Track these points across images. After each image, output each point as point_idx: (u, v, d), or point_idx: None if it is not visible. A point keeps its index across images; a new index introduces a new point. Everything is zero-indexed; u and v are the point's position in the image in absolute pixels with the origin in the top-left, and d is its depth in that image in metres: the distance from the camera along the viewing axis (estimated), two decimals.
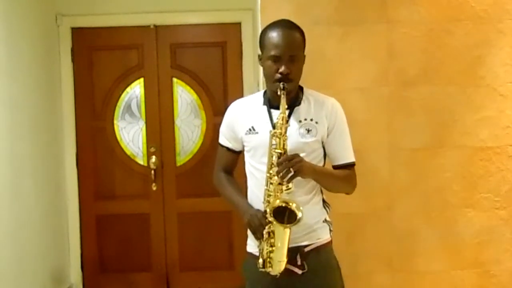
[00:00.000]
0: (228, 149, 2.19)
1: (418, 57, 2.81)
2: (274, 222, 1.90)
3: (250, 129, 2.07)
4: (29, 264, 3.33)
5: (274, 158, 1.92)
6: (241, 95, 3.95)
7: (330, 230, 2.15)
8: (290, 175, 1.88)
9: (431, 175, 2.84)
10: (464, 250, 2.86)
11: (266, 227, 1.93)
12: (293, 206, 1.92)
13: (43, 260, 3.57)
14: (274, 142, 1.94)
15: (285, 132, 1.93)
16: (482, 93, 2.83)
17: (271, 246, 1.95)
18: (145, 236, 4.07)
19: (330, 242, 2.15)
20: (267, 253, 1.97)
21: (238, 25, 3.99)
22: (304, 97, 2.09)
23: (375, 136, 2.83)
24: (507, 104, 2.83)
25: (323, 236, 2.11)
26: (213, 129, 3.96)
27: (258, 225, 1.96)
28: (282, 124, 1.92)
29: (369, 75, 2.82)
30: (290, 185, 1.91)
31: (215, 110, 4.03)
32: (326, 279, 2.10)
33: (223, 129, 2.20)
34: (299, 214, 1.90)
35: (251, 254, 2.13)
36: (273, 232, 1.93)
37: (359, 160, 2.79)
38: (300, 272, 2.03)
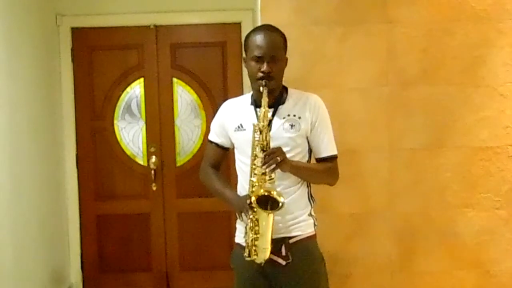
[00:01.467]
0: (217, 145, 2.31)
1: (418, 57, 2.81)
2: (258, 209, 2.01)
3: (238, 127, 2.21)
4: (29, 264, 3.32)
5: (258, 150, 2.04)
6: (241, 95, 3.95)
7: (315, 225, 2.24)
8: (273, 166, 2.00)
9: (431, 175, 2.84)
10: (464, 250, 2.86)
11: (251, 215, 2.03)
12: (274, 194, 2.04)
13: (43, 260, 3.57)
14: (257, 134, 2.06)
15: (268, 125, 2.06)
16: (482, 93, 2.83)
17: (256, 233, 2.05)
18: (145, 236, 4.07)
19: (314, 236, 2.24)
20: (251, 240, 2.06)
21: (238, 25, 3.99)
22: (288, 97, 2.22)
23: (375, 136, 2.83)
24: (507, 104, 2.83)
25: (308, 229, 2.20)
26: None
27: (244, 203, 2.06)
28: (264, 117, 2.05)
29: (369, 75, 2.82)
30: (273, 175, 2.03)
31: (215, 110, 3.99)
32: (310, 270, 2.18)
33: (214, 126, 2.35)
34: (281, 199, 2.02)
35: (238, 244, 2.23)
36: (257, 220, 2.04)
37: (359, 160, 2.80)
38: (284, 263, 2.13)
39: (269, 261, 2.10)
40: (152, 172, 4.01)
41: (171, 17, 3.99)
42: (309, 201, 2.24)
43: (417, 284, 2.86)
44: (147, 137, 4.06)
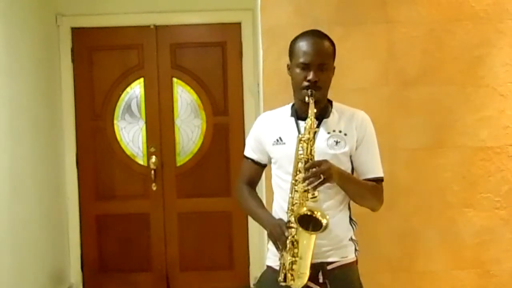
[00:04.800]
0: (253, 161, 2.15)
1: (418, 57, 2.81)
2: (299, 229, 1.83)
3: (277, 140, 2.04)
4: (29, 264, 3.33)
5: (300, 165, 1.87)
6: (241, 95, 3.97)
7: (356, 250, 2.08)
8: (318, 181, 1.81)
9: (431, 175, 2.84)
10: (464, 250, 2.86)
11: (290, 237, 1.86)
12: (318, 214, 1.85)
13: (43, 260, 3.57)
14: (301, 147, 1.89)
15: (313, 137, 1.89)
16: (482, 93, 2.83)
17: (294, 256, 1.87)
18: (145, 236, 4.08)
19: (355, 262, 2.08)
20: (289, 264, 1.88)
21: (238, 25, 3.99)
22: (333, 110, 2.05)
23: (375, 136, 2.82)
24: (507, 104, 2.83)
25: (349, 254, 2.04)
26: (213, 129, 3.96)
27: (280, 234, 1.89)
28: (311, 128, 1.89)
29: (369, 75, 2.81)
30: (316, 193, 1.84)
31: (215, 110, 4.03)
32: None
33: (250, 140, 2.17)
34: (324, 221, 1.83)
35: (270, 267, 2.06)
36: (297, 241, 1.86)
37: None
38: None
39: None
40: (152, 172, 4.01)
41: (171, 17, 3.99)
42: (351, 224, 2.07)
43: (417, 284, 2.86)
44: (147, 137, 4.06)
